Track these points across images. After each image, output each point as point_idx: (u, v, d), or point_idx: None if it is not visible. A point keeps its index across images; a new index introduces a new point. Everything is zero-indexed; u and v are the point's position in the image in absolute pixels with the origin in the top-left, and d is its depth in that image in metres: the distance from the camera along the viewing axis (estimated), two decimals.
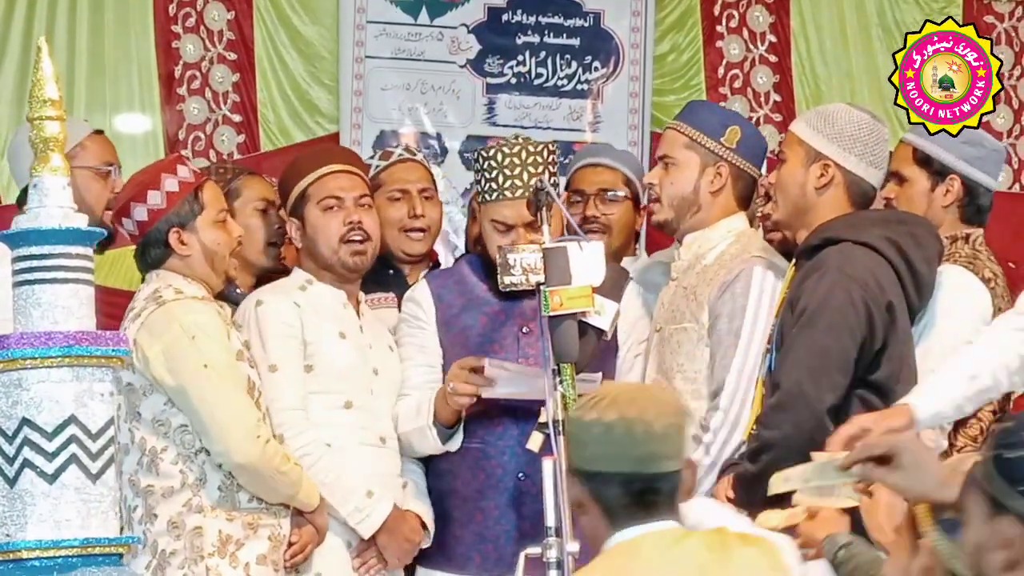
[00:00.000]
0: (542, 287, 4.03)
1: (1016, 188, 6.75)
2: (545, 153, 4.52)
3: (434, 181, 5.11)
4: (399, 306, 4.85)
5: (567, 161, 6.24)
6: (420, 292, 4.71)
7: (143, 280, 4.43)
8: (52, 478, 3.41)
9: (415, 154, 5.14)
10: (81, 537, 3.40)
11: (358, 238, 4.57)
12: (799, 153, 4.26)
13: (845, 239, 4.15)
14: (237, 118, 6.31)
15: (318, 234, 4.57)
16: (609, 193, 4.98)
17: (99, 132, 4.92)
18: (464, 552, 4.56)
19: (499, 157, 4.49)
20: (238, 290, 4.70)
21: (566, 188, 5.07)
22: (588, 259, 4.04)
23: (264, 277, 4.84)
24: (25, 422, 3.41)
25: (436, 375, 4.62)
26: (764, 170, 4.76)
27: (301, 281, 4.61)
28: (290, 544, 4.39)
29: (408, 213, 4.93)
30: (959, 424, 4.30)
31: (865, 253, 4.13)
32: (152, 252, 4.37)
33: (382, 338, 4.70)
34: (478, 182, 4.59)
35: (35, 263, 3.47)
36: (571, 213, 4.89)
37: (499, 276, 4.11)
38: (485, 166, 4.53)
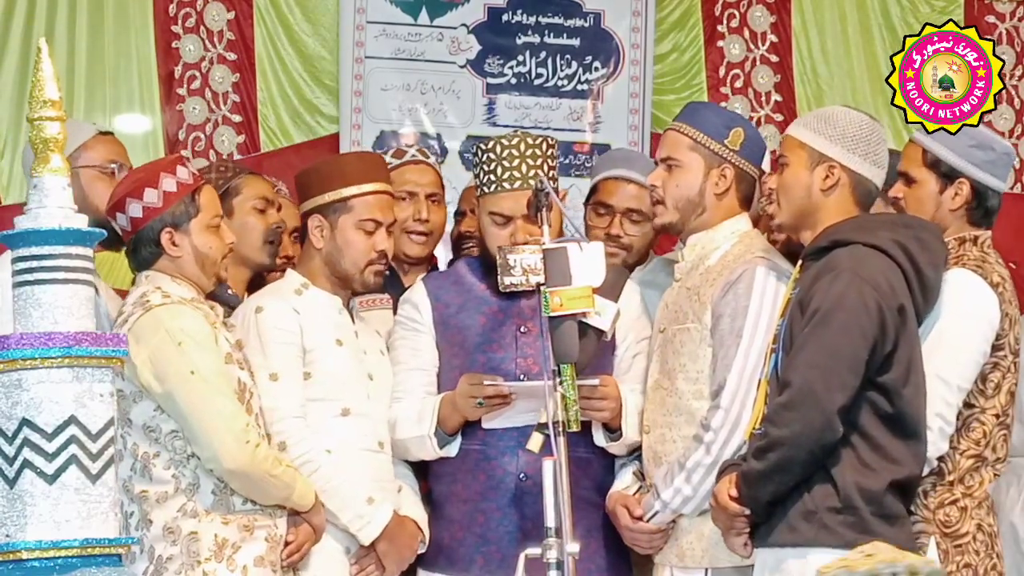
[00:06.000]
0: (542, 288, 4.02)
1: (1018, 188, 6.75)
2: (544, 146, 4.52)
3: (443, 185, 5.12)
4: (394, 308, 4.85)
5: (576, 161, 6.24)
6: (416, 294, 4.71)
7: (134, 280, 4.41)
8: (52, 479, 3.39)
9: (428, 157, 5.15)
10: (81, 538, 3.39)
11: (383, 262, 4.62)
12: (801, 156, 4.25)
13: (855, 241, 4.15)
14: (237, 118, 6.31)
15: (348, 249, 4.57)
16: (635, 214, 4.92)
17: (107, 133, 4.88)
18: (466, 554, 4.55)
19: (498, 149, 4.51)
20: (229, 291, 4.68)
21: (591, 193, 5.03)
22: (588, 260, 4.03)
23: (257, 275, 4.84)
24: (25, 423, 3.40)
25: (430, 379, 4.63)
26: (768, 167, 4.75)
27: (296, 284, 4.60)
28: (286, 544, 4.38)
29: (413, 215, 4.96)
30: (962, 428, 4.29)
31: (876, 256, 4.13)
32: (143, 250, 4.37)
33: (375, 342, 4.70)
34: (477, 176, 4.59)
35: (35, 263, 3.46)
36: (593, 225, 4.88)
37: (499, 276, 4.10)
38: (484, 159, 4.54)
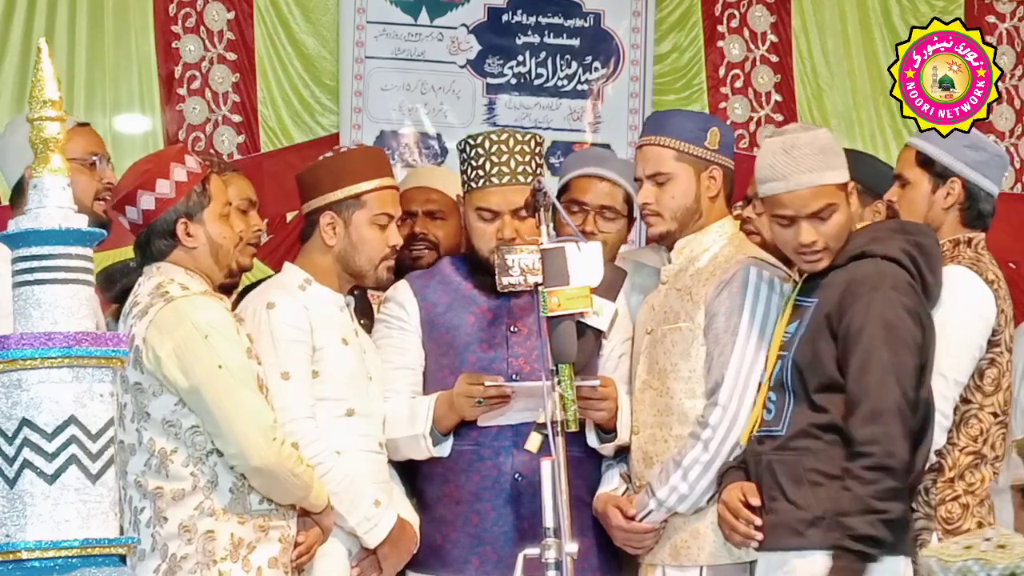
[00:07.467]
0: (540, 288, 4.02)
1: (1018, 188, 6.77)
2: (532, 143, 4.53)
3: None
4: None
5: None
6: (402, 292, 4.68)
7: (140, 272, 4.34)
8: (52, 479, 3.39)
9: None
10: (81, 538, 3.39)
11: (394, 257, 4.61)
12: (840, 195, 4.23)
13: (874, 254, 4.18)
14: (237, 118, 6.31)
15: (364, 245, 4.55)
16: (609, 212, 4.89)
17: (84, 124, 4.84)
18: (461, 555, 4.53)
19: (486, 144, 4.51)
20: None
21: (561, 191, 5.02)
22: (586, 260, 4.04)
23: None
24: (25, 423, 3.40)
25: (416, 378, 4.61)
26: None
27: (299, 280, 4.57)
28: (296, 544, 4.36)
29: None
30: (960, 423, 4.30)
31: (898, 268, 4.17)
32: (157, 243, 4.28)
33: (370, 342, 4.69)
34: (464, 172, 4.58)
35: (35, 264, 3.46)
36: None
37: (497, 276, 4.09)
38: (472, 154, 4.53)
